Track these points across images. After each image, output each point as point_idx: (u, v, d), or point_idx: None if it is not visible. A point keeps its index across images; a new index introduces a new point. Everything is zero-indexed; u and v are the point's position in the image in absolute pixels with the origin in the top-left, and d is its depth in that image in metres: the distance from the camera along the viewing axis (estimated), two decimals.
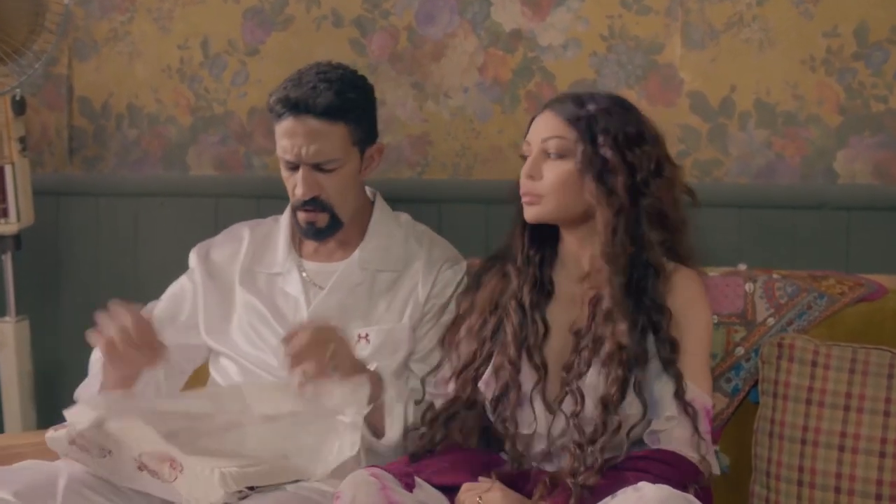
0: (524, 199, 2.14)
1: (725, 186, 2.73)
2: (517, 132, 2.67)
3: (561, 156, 2.10)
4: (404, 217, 2.53)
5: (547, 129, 2.11)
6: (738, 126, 2.73)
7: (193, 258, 2.53)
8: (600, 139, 2.07)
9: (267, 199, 2.66)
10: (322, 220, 2.39)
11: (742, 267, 2.48)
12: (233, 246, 2.51)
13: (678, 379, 2.05)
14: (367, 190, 2.54)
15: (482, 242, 2.72)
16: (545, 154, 2.11)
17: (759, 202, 2.71)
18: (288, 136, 2.33)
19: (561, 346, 2.13)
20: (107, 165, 3.08)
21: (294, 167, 2.35)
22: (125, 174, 3.06)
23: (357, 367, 2.21)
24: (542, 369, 2.11)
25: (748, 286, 2.40)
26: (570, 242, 2.17)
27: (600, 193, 2.07)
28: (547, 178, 2.10)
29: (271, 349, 2.39)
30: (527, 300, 2.14)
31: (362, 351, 2.35)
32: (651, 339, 2.07)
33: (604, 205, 2.07)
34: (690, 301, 2.11)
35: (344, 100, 2.34)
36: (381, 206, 2.52)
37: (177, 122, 3.03)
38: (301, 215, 2.39)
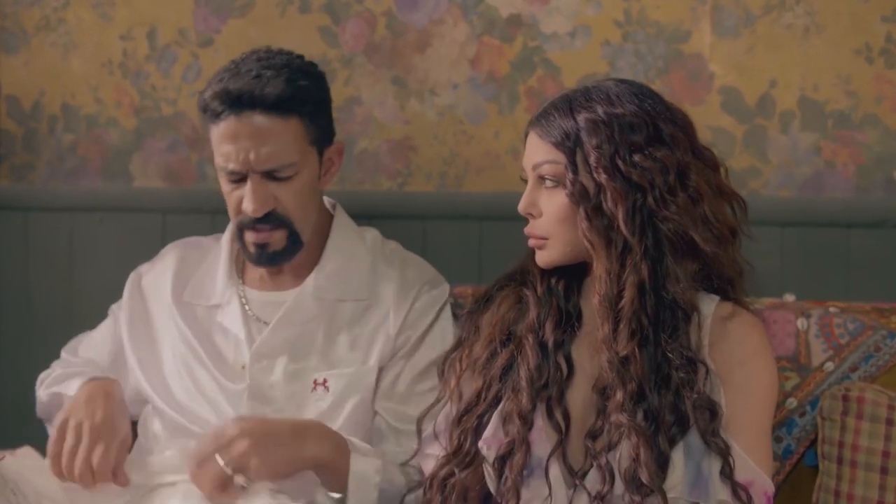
0: (529, 242, 1.91)
1: (765, 200, 2.55)
2: (516, 136, 2.60)
3: (556, 184, 1.86)
4: (371, 234, 2.29)
5: (535, 152, 1.88)
6: (780, 128, 2.58)
7: (127, 288, 2.32)
8: (592, 160, 1.81)
9: (222, 215, 2.42)
10: (278, 240, 2.13)
11: (789, 298, 2.27)
12: (162, 272, 2.30)
13: (724, 454, 1.77)
14: (326, 201, 2.29)
15: (474, 266, 2.62)
16: (540, 182, 1.88)
17: (806, 219, 2.56)
18: (230, 140, 2.08)
19: (584, 400, 1.87)
20: (38, 175, 2.92)
21: (240, 178, 2.10)
22: (59, 185, 2.90)
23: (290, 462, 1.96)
24: (562, 430, 1.85)
25: (800, 322, 2.20)
26: (597, 264, 1.89)
27: (595, 233, 1.82)
28: (545, 214, 1.87)
29: (208, 400, 2.15)
30: (549, 339, 1.89)
31: (320, 401, 2.11)
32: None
33: (600, 247, 1.82)
34: (750, 355, 1.85)
35: (296, 88, 2.09)
36: (341, 221, 2.26)
37: (119, 124, 2.86)
38: (250, 236, 2.14)
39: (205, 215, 2.68)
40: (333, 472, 1.99)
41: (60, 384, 2.21)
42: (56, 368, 2.30)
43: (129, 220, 2.83)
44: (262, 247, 2.13)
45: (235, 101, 2.05)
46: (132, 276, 2.32)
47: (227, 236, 2.28)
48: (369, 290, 2.18)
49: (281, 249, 2.14)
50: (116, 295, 2.40)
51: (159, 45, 2.82)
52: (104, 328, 2.34)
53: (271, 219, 2.11)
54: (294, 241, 2.14)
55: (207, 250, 2.28)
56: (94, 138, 2.87)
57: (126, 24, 2.84)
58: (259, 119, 2.05)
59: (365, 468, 2.01)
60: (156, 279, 2.28)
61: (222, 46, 2.77)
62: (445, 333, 2.17)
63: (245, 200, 2.09)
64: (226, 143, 2.08)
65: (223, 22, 2.78)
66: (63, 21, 2.87)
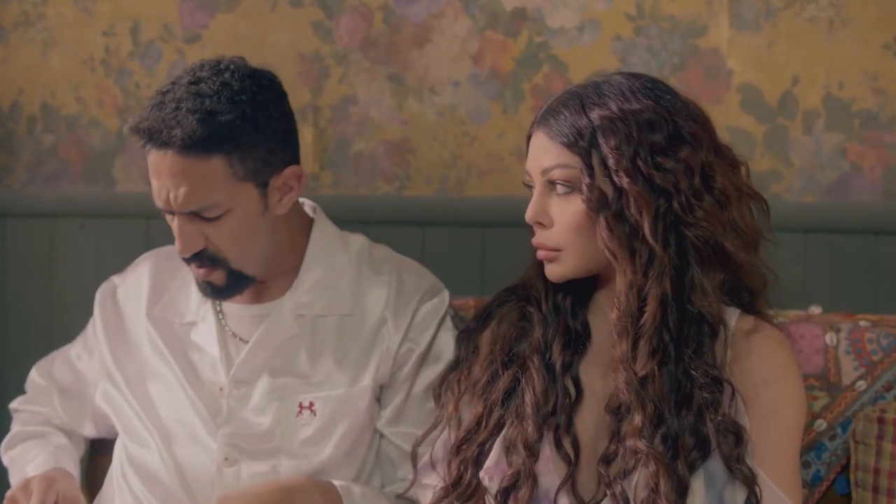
0: (538, 255, 1.81)
1: (787, 205, 2.50)
2: (520, 137, 2.46)
3: (570, 189, 1.75)
4: (357, 240, 2.15)
5: (543, 155, 1.78)
6: (803, 129, 2.53)
7: (98, 301, 2.21)
8: (611, 162, 1.71)
9: None
10: (218, 277, 2.01)
11: (816, 311, 2.17)
12: (136, 285, 2.19)
13: (749, 482, 1.68)
14: (307, 204, 2.17)
15: (477, 275, 2.60)
16: (550, 188, 1.77)
17: (831, 225, 2.52)
18: (153, 175, 1.95)
19: (595, 423, 1.78)
20: (16, 179, 2.91)
21: (170, 212, 1.99)
22: (38, 190, 2.90)
23: None
24: (572, 460, 1.75)
25: (829, 337, 2.09)
26: (615, 280, 1.80)
27: (617, 243, 1.72)
28: (558, 223, 1.77)
29: (182, 423, 2.04)
30: (557, 361, 1.80)
31: (306, 427, 2.00)
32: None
33: (622, 258, 1.72)
34: (777, 374, 1.76)
35: (214, 127, 1.91)
36: (322, 228, 2.12)
37: (101, 125, 2.84)
38: (193, 270, 2.03)
39: None
40: None
41: (16, 465, 2.17)
42: (20, 408, 2.24)
43: (111, 226, 2.80)
44: (206, 282, 2.02)
45: (149, 139, 1.93)
46: (105, 288, 2.22)
47: None
48: (355, 303, 2.07)
49: (224, 286, 2.02)
50: None
51: (143, 41, 2.79)
52: (79, 345, 2.25)
53: (203, 258, 1.99)
54: (236, 278, 2.01)
55: (182, 262, 2.17)
56: (75, 140, 2.85)
57: (108, 19, 2.81)
58: (174, 159, 1.92)
59: None
60: (129, 291, 2.18)
61: (209, 42, 2.74)
62: (449, 345, 2.07)
63: (176, 240, 1.99)
64: (151, 177, 1.95)
65: (210, 16, 2.76)
66: (42, 16, 2.84)
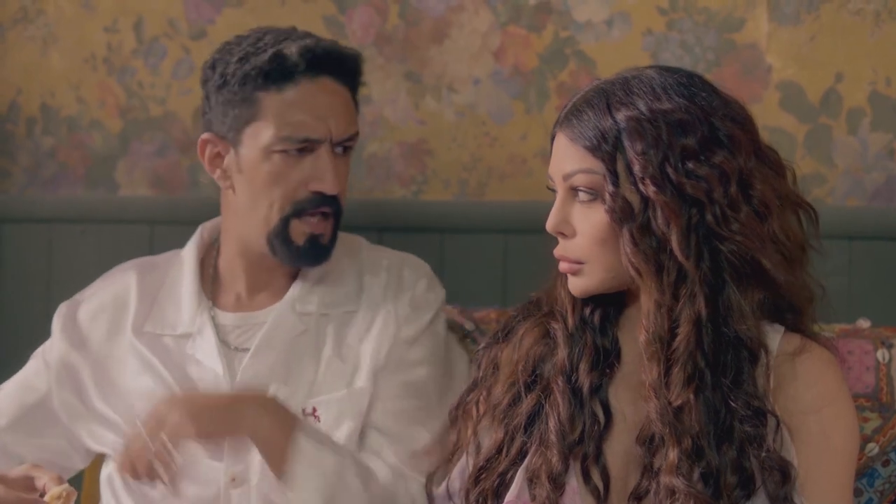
0: (560, 267, 1.74)
1: (830, 211, 2.40)
2: (545, 138, 2.44)
3: (593, 197, 1.69)
4: (358, 241, 2.18)
5: (565, 159, 1.73)
6: (847, 128, 2.51)
7: (56, 325, 2.18)
8: (637, 169, 1.65)
9: None
10: (328, 230, 2.05)
11: (864, 324, 2.12)
12: (113, 301, 2.13)
13: None
14: None
15: (498, 285, 2.59)
16: (572, 195, 1.71)
17: (878, 231, 2.48)
18: (307, 106, 2.02)
19: (626, 452, 1.71)
20: (14, 183, 2.88)
21: (306, 150, 2.02)
22: (37, 194, 2.87)
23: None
24: (601, 493, 1.68)
25: (880, 354, 2.05)
26: (644, 295, 1.72)
27: (642, 258, 1.65)
28: (580, 233, 1.70)
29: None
30: (584, 383, 1.72)
31: None
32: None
33: (648, 275, 1.65)
34: (827, 399, 1.68)
35: (359, 57, 2.12)
36: None
37: (103, 127, 2.82)
38: (304, 226, 2.04)
39: (196, 227, 2.54)
40: (274, 449, 1.87)
41: None
42: None
43: (113, 232, 2.79)
44: (315, 238, 2.03)
45: (320, 63, 2.02)
46: (64, 310, 2.18)
47: (190, 251, 2.14)
48: (358, 301, 2.07)
49: (328, 243, 2.05)
50: None
51: (147, 38, 2.78)
52: (22, 377, 2.20)
53: (335, 203, 2.04)
54: (335, 235, 2.06)
55: (166, 270, 2.13)
56: (76, 142, 2.84)
57: (111, 14, 2.80)
58: (334, 84, 2.04)
59: (309, 450, 1.88)
60: (102, 310, 2.13)
61: (217, 39, 2.64)
62: (437, 347, 2.06)
63: (326, 176, 2.00)
64: (301, 110, 2.01)
65: (217, 11, 2.74)
66: (42, 12, 2.83)
